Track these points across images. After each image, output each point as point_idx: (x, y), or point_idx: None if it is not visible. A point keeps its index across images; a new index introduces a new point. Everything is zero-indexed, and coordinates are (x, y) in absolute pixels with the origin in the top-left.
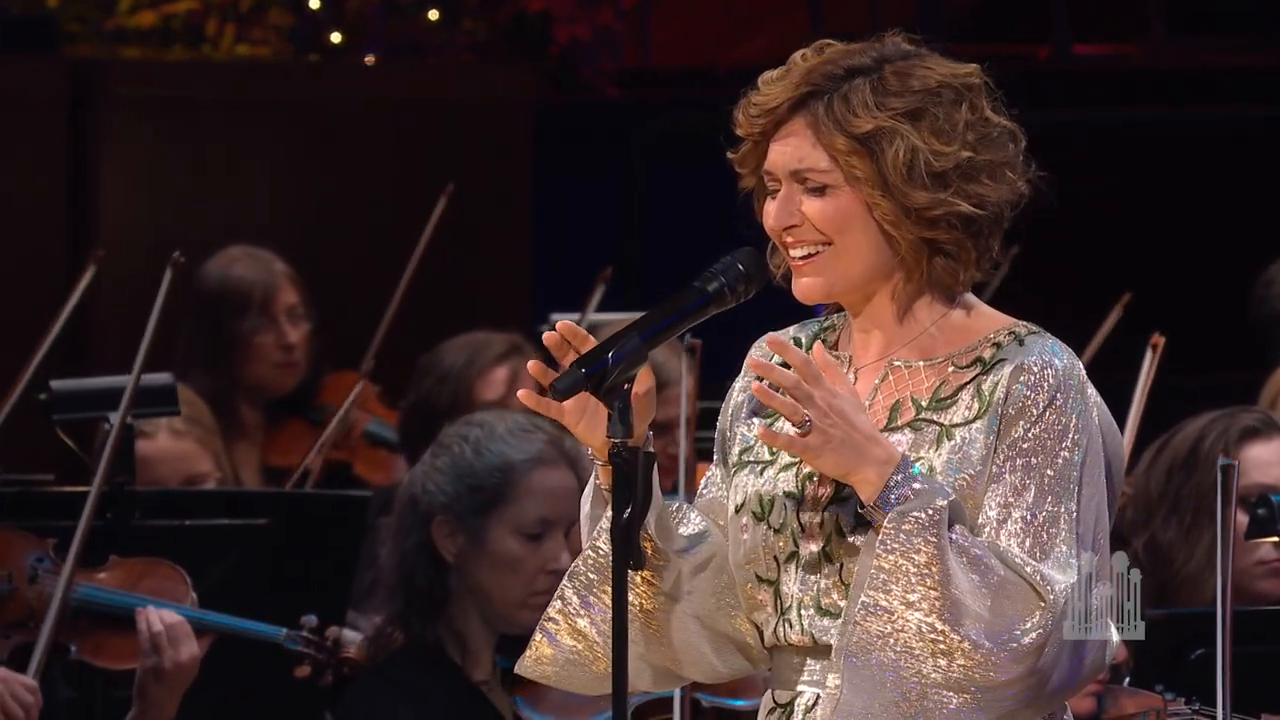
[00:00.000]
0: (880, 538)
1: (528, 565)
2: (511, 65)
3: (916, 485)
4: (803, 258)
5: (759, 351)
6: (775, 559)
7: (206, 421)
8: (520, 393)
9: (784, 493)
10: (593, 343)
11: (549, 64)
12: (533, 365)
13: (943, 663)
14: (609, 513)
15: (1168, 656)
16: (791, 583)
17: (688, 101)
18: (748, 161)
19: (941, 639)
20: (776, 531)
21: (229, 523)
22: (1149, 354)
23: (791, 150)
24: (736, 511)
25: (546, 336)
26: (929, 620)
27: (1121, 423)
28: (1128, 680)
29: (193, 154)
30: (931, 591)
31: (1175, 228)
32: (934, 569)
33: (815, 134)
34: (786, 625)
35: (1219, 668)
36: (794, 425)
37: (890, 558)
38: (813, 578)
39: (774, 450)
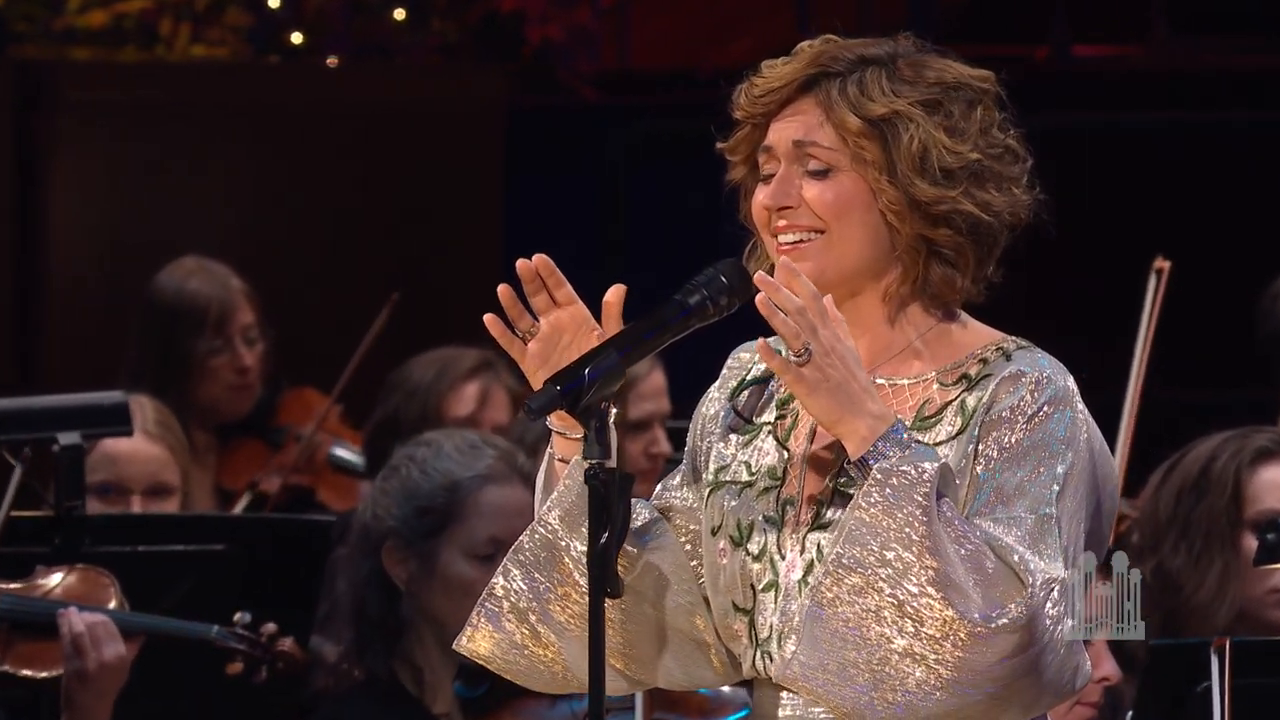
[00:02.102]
0: (863, 489)
1: (480, 588)
2: (482, 67)
3: (908, 446)
4: (791, 244)
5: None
6: (752, 587)
7: (179, 435)
8: (486, 317)
9: (763, 517)
10: (564, 284)
11: (522, 66)
12: (502, 290)
13: (910, 629)
14: (566, 481)
15: (1174, 689)
16: (770, 613)
17: (669, 105)
18: (741, 149)
19: (914, 604)
20: (755, 558)
21: (185, 548)
22: (1153, 281)
23: (799, 124)
24: (713, 535)
25: (519, 264)
26: (905, 584)
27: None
28: (1130, 715)
29: (146, 160)
30: (908, 554)
31: (1178, 236)
32: (917, 531)
33: (826, 112)
34: (766, 658)
35: (1216, 701)
36: (793, 351)
37: (872, 511)
38: (793, 608)
39: (753, 471)
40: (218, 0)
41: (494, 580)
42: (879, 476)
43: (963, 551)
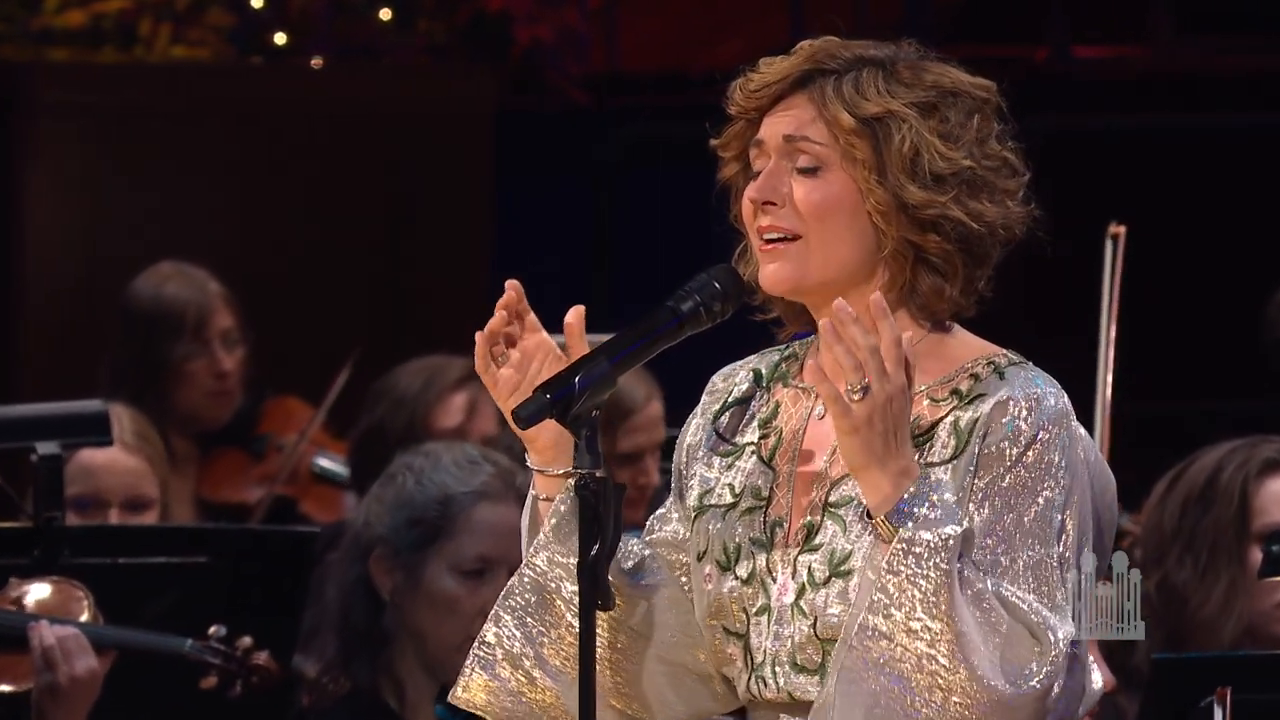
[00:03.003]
0: (887, 559)
1: (465, 606)
2: (470, 68)
3: (931, 508)
4: (770, 241)
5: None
6: (744, 611)
7: (157, 445)
8: (478, 341)
9: (750, 540)
10: (529, 310)
11: (510, 67)
12: (511, 285)
13: (938, 698)
14: (552, 520)
15: (1177, 704)
16: (763, 636)
17: (660, 108)
18: (733, 145)
19: (941, 673)
20: (744, 582)
21: (168, 561)
22: (1109, 246)
23: (791, 118)
24: (699, 560)
25: (509, 290)
26: (930, 652)
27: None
28: None
29: (126, 164)
30: (936, 623)
31: (1182, 242)
32: (941, 598)
33: (819, 109)
34: (760, 683)
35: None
36: (850, 384)
37: (895, 579)
38: (786, 632)
39: (736, 492)
40: (199, 0)
41: (485, 628)
42: (902, 546)
43: (983, 617)
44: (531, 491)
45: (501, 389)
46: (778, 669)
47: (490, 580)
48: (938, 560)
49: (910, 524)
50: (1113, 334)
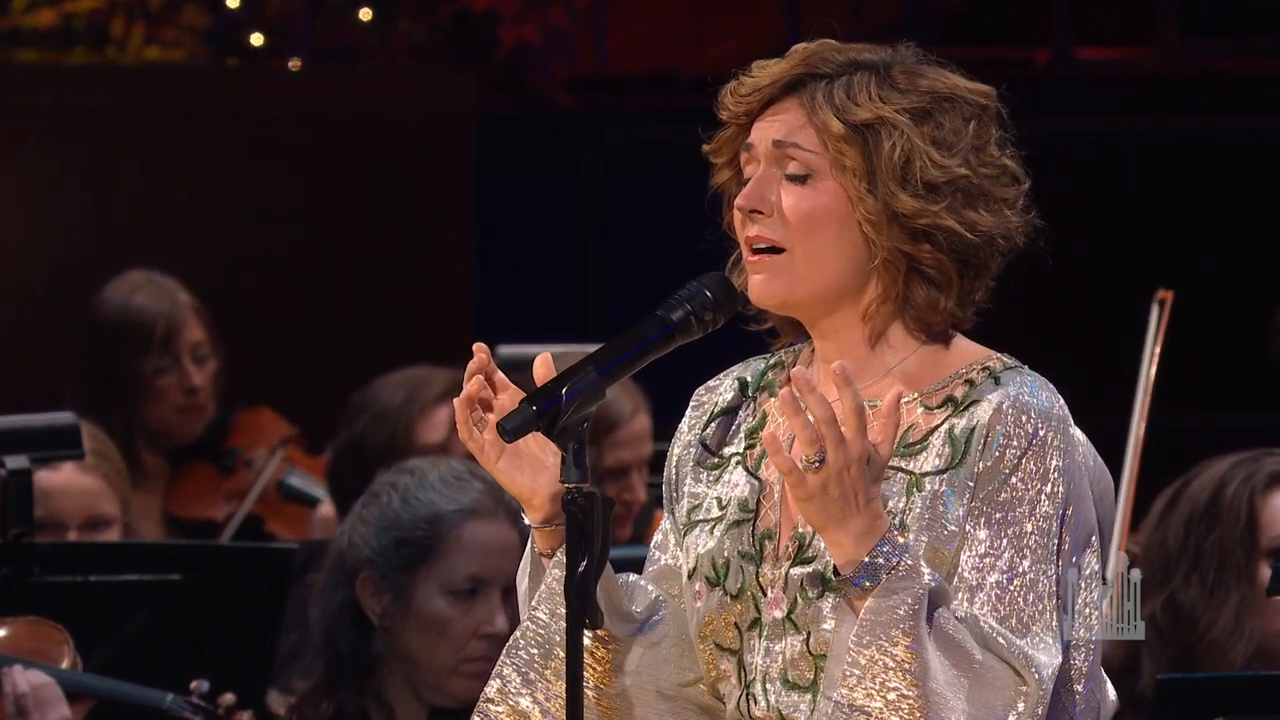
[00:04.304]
0: (856, 630)
1: (457, 628)
2: (453, 70)
3: (897, 567)
4: (757, 252)
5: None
6: (736, 627)
7: (116, 462)
8: (456, 404)
9: (739, 554)
10: (497, 370)
11: (494, 69)
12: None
13: None
14: (554, 571)
15: None
16: (755, 653)
17: (649, 111)
18: (725, 150)
19: None
20: (734, 597)
21: (139, 578)
22: (1155, 311)
23: (780, 123)
24: (689, 578)
25: (476, 355)
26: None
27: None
28: None
29: (97, 170)
30: (911, 690)
31: (1188, 249)
32: (912, 664)
33: (809, 114)
34: (750, 700)
35: None
36: (804, 456)
37: (866, 652)
38: (777, 647)
39: (723, 505)
40: (173, 0)
41: (489, 684)
42: (868, 616)
43: (957, 670)
44: (531, 547)
45: (489, 453)
46: (768, 686)
47: (482, 600)
48: (905, 627)
49: (876, 586)
50: (1147, 403)
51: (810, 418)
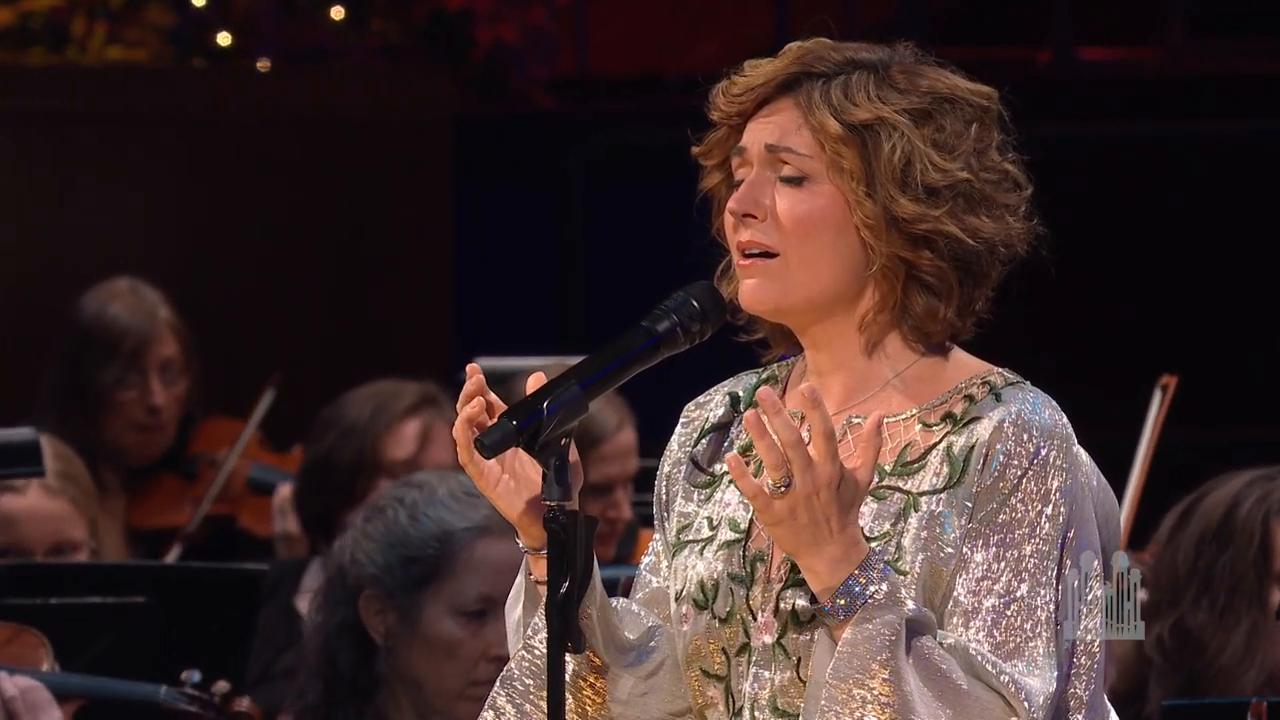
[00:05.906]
0: (834, 663)
1: (466, 650)
2: (428, 71)
3: (874, 596)
4: (749, 257)
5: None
6: (724, 652)
7: (84, 483)
8: (457, 430)
9: (729, 575)
10: (489, 390)
11: (471, 70)
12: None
13: None
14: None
15: None
16: (744, 679)
17: (632, 113)
18: (715, 153)
19: None
20: (723, 621)
21: (102, 601)
22: (1158, 396)
23: (775, 125)
24: (677, 599)
25: (471, 377)
26: None
27: (1123, 483)
28: None
29: (57, 173)
30: None
31: (1193, 256)
32: (890, 697)
33: (805, 115)
34: None
35: None
36: (771, 482)
37: (843, 686)
38: (766, 674)
39: (714, 525)
40: None
41: (484, 714)
42: (845, 648)
43: (938, 701)
44: (525, 573)
45: (488, 478)
46: (757, 714)
47: (493, 621)
48: (881, 658)
49: (853, 615)
50: (1141, 481)
51: (776, 440)
